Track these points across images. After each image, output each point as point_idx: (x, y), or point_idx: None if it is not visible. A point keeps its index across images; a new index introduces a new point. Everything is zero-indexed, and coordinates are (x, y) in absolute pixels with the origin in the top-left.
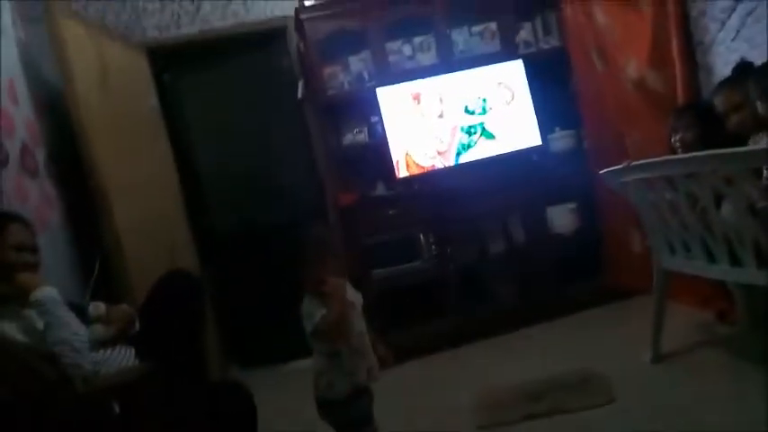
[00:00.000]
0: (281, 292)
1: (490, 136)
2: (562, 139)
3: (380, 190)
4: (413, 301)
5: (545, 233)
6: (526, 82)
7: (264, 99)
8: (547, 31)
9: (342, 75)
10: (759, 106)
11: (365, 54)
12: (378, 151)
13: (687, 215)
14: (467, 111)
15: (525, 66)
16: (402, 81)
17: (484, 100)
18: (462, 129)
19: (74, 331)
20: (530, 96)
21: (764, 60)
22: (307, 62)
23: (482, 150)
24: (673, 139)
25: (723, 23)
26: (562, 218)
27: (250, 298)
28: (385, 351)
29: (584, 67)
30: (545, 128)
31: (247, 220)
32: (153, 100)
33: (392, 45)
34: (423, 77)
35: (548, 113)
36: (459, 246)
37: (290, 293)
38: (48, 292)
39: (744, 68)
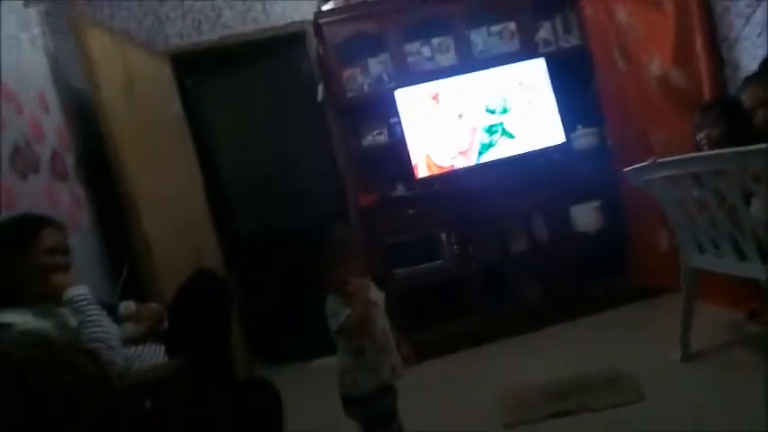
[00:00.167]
0: (303, 292)
1: (511, 136)
2: (585, 137)
3: (400, 190)
4: (435, 300)
5: (569, 232)
6: (548, 80)
7: (285, 103)
8: (567, 30)
9: (361, 77)
10: None
11: (384, 56)
12: (397, 152)
13: (716, 213)
14: (488, 110)
15: (546, 64)
16: (421, 82)
17: (504, 99)
18: (483, 128)
19: (106, 329)
20: (552, 94)
21: None
22: (326, 65)
23: (503, 150)
24: (698, 137)
25: (748, 19)
26: (586, 216)
27: (274, 299)
28: (408, 349)
29: (607, 65)
30: (567, 126)
31: (269, 222)
32: (177, 106)
33: (411, 47)
34: (442, 78)
35: (569, 112)
36: (482, 245)
37: (312, 293)
38: (80, 290)
39: None
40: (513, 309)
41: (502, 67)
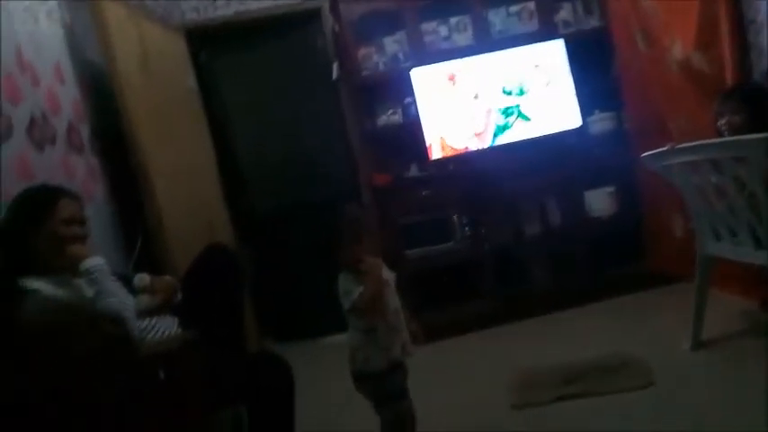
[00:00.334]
0: (315, 270)
1: (527, 118)
2: (602, 122)
3: (414, 171)
4: (447, 281)
5: (582, 216)
6: (567, 62)
7: (299, 80)
8: (588, 11)
9: (376, 56)
10: None
11: (400, 35)
12: (412, 132)
13: (735, 199)
14: (504, 92)
15: (565, 46)
16: (437, 62)
17: (521, 81)
18: (499, 110)
19: (122, 300)
20: (570, 77)
21: None
22: (341, 43)
23: (519, 132)
24: (719, 122)
25: None
26: (600, 201)
27: (285, 276)
28: (417, 328)
29: (627, 47)
30: (585, 110)
31: (282, 199)
32: (191, 81)
33: (427, 26)
34: (459, 58)
35: (587, 95)
36: (494, 227)
37: (323, 272)
38: (96, 261)
39: None
40: (524, 292)
41: (520, 47)
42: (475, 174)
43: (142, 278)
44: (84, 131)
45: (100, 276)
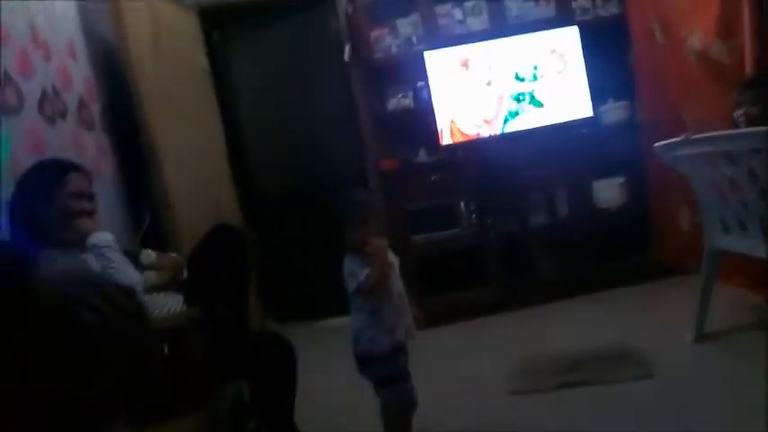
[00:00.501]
0: (320, 252)
1: (539, 104)
2: (614, 111)
3: (423, 156)
4: (453, 267)
5: (590, 207)
6: (580, 50)
7: (311, 61)
8: None
9: (389, 38)
10: None
11: (414, 17)
12: (422, 117)
13: (748, 192)
14: (517, 77)
15: (580, 33)
16: (451, 45)
17: (535, 67)
18: (511, 96)
19: (129, 276)
20: (583, 65)
21: None
22: (354, 25)
23: (530, 119)
24: (736, 114)
25: None
26: (609, 192)
27: (288, 257)
28: (418, 312)
29: (644, 36)
30: (598, 98)
31: (290, 181)
32: (203, 61)
33: (442, 8)
34: (473, 42)
35: (601, 83)
36: (501, 215)
37: (327, 254)
38: (104, 236)
39: None
40: (529, 280)
41: (534, 33)
42: (484, 161)
43: (148, 254)
44: (95, 109)
45: (107, 251)
